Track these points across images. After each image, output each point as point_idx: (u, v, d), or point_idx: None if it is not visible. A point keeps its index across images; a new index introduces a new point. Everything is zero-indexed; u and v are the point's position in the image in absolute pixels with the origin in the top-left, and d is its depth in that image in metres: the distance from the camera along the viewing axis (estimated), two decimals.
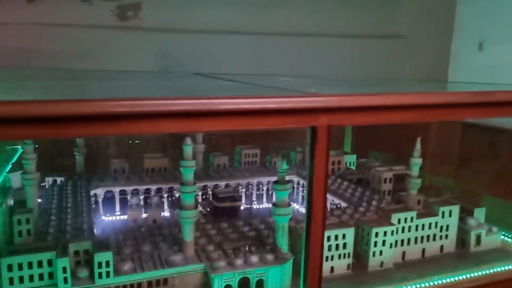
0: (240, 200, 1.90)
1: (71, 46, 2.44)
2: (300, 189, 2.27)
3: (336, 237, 1.46)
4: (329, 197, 2.00)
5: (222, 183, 2.16)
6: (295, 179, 2.29)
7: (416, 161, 1.66)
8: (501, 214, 1.93)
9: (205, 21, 2.62)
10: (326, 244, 1.45)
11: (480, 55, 2.75)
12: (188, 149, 1.28)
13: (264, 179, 2.24)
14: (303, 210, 2.19)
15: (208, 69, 2.55)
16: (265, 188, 2.25)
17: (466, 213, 1.77)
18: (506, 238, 1.76)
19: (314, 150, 1.12)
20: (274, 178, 2.29)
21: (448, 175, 2.45)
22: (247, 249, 1.36)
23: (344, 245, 1.47)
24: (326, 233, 1.44)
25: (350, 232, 1.47)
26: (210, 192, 2.04)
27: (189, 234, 1.31)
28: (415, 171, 1.67)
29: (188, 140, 1.27)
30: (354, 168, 2.43)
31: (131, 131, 0.92)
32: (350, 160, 2.54)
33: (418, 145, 1.65)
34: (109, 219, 1.97)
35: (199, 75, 2.25)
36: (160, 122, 0.92)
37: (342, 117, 1.12)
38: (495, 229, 1.71)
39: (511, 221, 1.86)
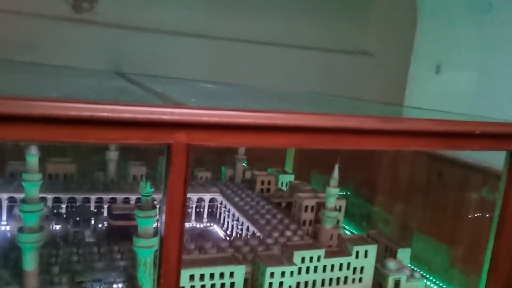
0: None
1: (15, 35, 2.23)
2: (223, 209, 2.05)
3: (222, 275, 1.23)
4: (245, 222, 1.78)
5: (133, 197, 1.93)
6: (219, 198, 2.07)
7: (333, 191, 1.45)
8: (430, 255, 1.73)
9: (164, 21, 2.44)
10: (208, 283, 1.23)
11: (437, 79, 2.58)
12: (31, 159, 1.05)
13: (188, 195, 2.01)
14: (222, 234, 1.97)
15: (159, 72, 2.38)
16: (193, 206, 2.03)
17: (389, 252, 1.56)
18: (430, 285, 1.56)
19: (168, 174, 0.90)
20: (200, 195, 2.11)
21: (386, 206, 2.26)
22: (108, 284, 1.13)
23: (232, 285, 1.25)
24: (210, 270, 1.23)
25: (239, 270, 1.25)
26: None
27: (30, 262, 1.08)
28: (330, 202, 1.46)
29: (33, 149, 1.04)
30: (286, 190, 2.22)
31: None
32: (287, 180, 2.34)
33: (335, 173, 1.44)
34: None
35: (120, 75, 2.03)
36: None
37: (206, 135, 0.90)
38: (418, 274, 1.50)
39: (438, 266, 1.67)
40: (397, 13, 2.80)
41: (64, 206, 1.83)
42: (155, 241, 1.08)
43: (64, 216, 1.76)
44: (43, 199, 1.79)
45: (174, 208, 0.91)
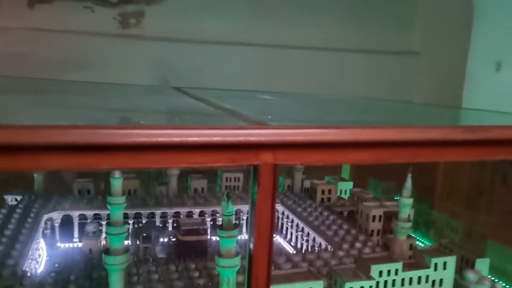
0: (207, 233, 1.67)
1: (65, 53, 2.30)
2: (285, 220, 2.04)
3: None
4: (311, 234, 1.77)
5: (196, 211, 1.96)
6: (280, 208, 2.06)
7: (406, 202, 1.41)
8: (508, 265, 1.65)
9: (209, 32, 2.45)
10: None
11: (497, 77, 2.47)
12: (116, 183, 1.07)
13: (245, 207, 2.02)
14: (286, 245, 1.96)
15: (208, 83, 2.38)
16: (244, 218, 2.03)
17: (465, 263, 1.50)
18: None
19: (255, 195, 0.89)
20: None
21: (451, 212, 2.17)
22: None
23: None
24: (289, 287, 1.22)
25: (318, 286, 1.23)
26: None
27: (117, 284, 1.10)
28: (403, 213, 1.42)
29: (117, 173, 1.07)
30: (347, 198, 2.18)
31: None
32: (346, 187, 2.30)
33: (408, 183, 1.40)
34: (63, 247, 1.79)
35: (178, 90, 2.05)
36: None
37: (292, 154, 0.89)
38: (499, 285, 1.44)
39: None
40: (448, 10, 2.71)
41: (131, 222, 1.87)
42: (238, 261, 1.09)
43: (132, 232, 1.79)
44: None
45: (262, 229, 0.91)
